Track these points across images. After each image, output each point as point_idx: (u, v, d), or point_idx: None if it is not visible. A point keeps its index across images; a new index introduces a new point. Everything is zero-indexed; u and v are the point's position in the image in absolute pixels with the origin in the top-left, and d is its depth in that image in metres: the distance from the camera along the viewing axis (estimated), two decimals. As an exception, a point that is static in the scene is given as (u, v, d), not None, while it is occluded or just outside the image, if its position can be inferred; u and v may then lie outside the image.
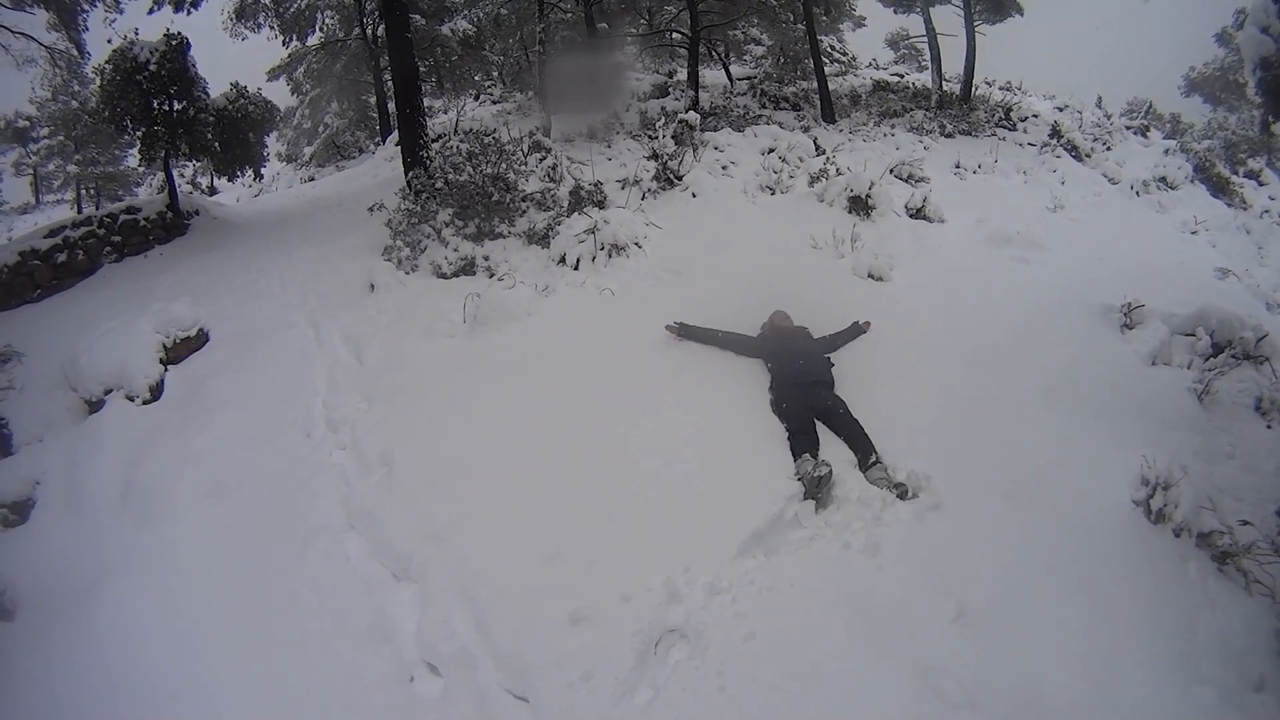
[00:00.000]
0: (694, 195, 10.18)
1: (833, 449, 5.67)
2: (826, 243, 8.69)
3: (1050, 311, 7.57)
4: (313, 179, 21.19)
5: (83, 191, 26.08)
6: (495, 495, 5.47)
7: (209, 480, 6.13)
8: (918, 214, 10.10)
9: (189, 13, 14.46)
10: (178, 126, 13.22)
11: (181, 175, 22.16)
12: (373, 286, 9.12)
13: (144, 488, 6.21)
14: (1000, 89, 22.26)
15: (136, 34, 12.97)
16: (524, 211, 10.17)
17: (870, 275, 8.12)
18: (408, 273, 9.47)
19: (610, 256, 8.52)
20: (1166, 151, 17.85)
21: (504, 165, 10.21)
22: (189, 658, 4.65)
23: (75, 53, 13.70)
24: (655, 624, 4.34)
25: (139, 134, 13.19)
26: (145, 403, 7.46)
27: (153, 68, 12.63)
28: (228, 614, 4.93)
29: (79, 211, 20.04)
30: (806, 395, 6.07)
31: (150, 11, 14.31)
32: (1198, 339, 7.00)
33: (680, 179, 10.60)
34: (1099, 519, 5.05)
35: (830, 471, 5.31)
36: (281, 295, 9.71)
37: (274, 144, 25.97)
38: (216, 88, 14.10)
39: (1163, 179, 15.05)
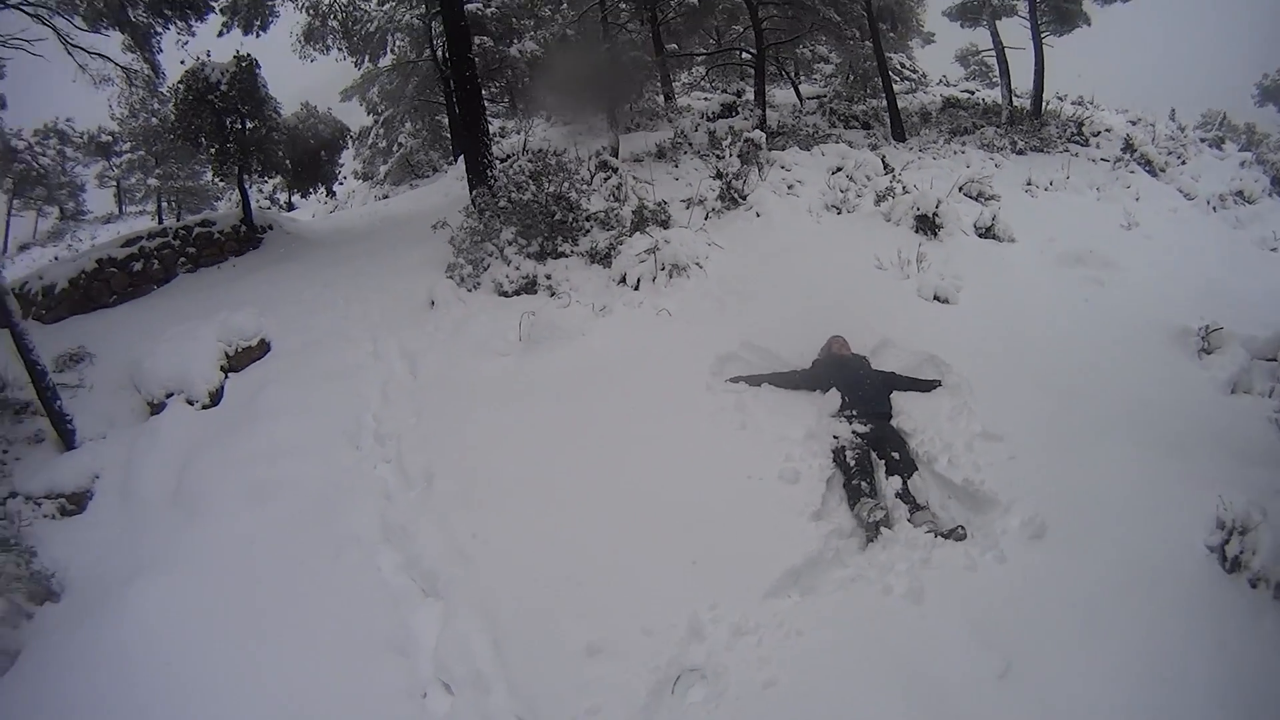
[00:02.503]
0: (758, 215, 9.91)
1: (880, 479, 5.50)
2: (891, 263, 8.38)
3: (1123, 335, 7.23)
4: (386, 197, 21.37)
5: (164, 204, 26.92)
6: (528, 516, 5.35)
7: (255, 485, 6.15)
8: (987, 233, 9.71)
9: (258, 35, 14.93)
10: (249, 144, 13.58)
11: (260, 192, 22.63)
12: (433, 303, 9.07)
13: (193, 488, 6.31)
14: (1072, 103, 21.55)
15: (209, 55, 13.34)
16: (587, 231, 10.02)
17: (936, 297, 7.82)
18: (470, 290, 9.41)
19: (670, 277, 8.31)
20: (1243, 164, 16.96)
21: (566, 184, 10.08)
22: (210, 658, 4.61)
23: (151, 73, 14.00)
24: (674, 661, 4.16)
25: (213, 151, 13.58)
26: (204, 407, 7.60)
27: (224, 88, 13.00)
28: (255, 617, 4.91)
29: (159, 223, 20.56)
30: (866, 428, 5.87)
31: (220, 34, 14.82)
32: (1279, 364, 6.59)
33: (744, 198, 10.34)
34: (1168, 566, 4.62)
35: (888, 515, 5.12)
36: (345, 309, 9.73)
37: (351, 162, 26.40)
38: (291, 107, 14.38)
39: (1239, 193, 14.21)
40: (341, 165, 24.20)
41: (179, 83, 13.30)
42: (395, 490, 6.01)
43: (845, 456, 5.65)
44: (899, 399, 6.20)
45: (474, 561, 5.04)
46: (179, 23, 13.37)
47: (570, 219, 9.92)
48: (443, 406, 6.90)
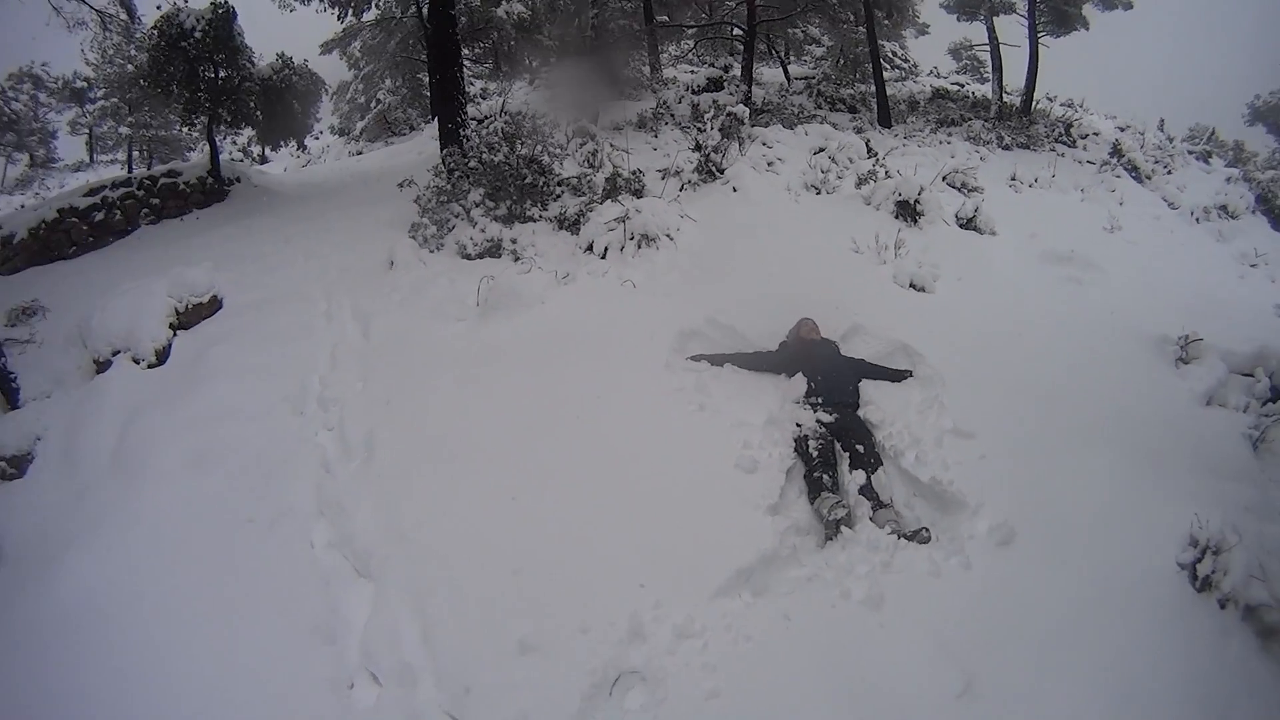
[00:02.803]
0: (734, 189, 9.53)
1: (843, 472, 5.22)
2: (868, 248, 8.06)
3: (1103, 339, 7.00)
4: (360, 153, 20.95)
5: (137, 153, 26.07)
6: (469, 494, 5.01)
7: (195, 450, 5.80)
8: (968, 224, 9.42)
9: None
10: (220, 94, 13.08)
11: (234, 144, 22.03)
12: (392, 263, 8.66)
13: (134, 452, 5.91)
14: (1061, 104, 21.37)
15: (186, 1, 12.82)
16: (558, 196, 9.64)
17: (912, 285, 7.51)
18: (433, 251, 9.01)
19: (639, 247, 7.94)
20: (1229, 179, 16.81)
21: (540, 148, 9.66)
22: (141, 639, 4.31)
23: (126, 17, 13.52)
24: (612, 663, 3.83)
25: (184, 100, 13.08)
26: (150, 366, 7.14)
27: (198, 35, 12.47)
28: (187, 591, 4.62)
29: (130, 172, 19.97)
30: (831, 418, 5.55)
31: None
32: (1256, 380, 6.54)
33: (722, 172, 9.94)
34: (1138, 582, 4.43)
35: (850, 513, 4.81)
36: (303, 266, 9.30)
37: (328, 117, 25.86)
38: (270, 58, 13.99)
39: (1224, 207, 14.18)
40: (319, 119, 23.67)
41: (152, 28, 12.76)
42: (335, 460, 5.65)
43: (808, 446, 5.32)
44: (868, 388, 5.91)
45: (409, 542, 4.70)
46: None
47: (541, 183, 9.53)
48: (391, 373, 6.53)
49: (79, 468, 5.95)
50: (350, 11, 17.85)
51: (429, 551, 4.60)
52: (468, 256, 8.80)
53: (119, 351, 7.18)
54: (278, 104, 13.92)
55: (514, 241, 8.85)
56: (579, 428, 5.47)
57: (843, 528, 4.74)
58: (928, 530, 4.72)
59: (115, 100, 24.85)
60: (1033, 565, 4.48)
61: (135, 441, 6.03)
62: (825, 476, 5.10)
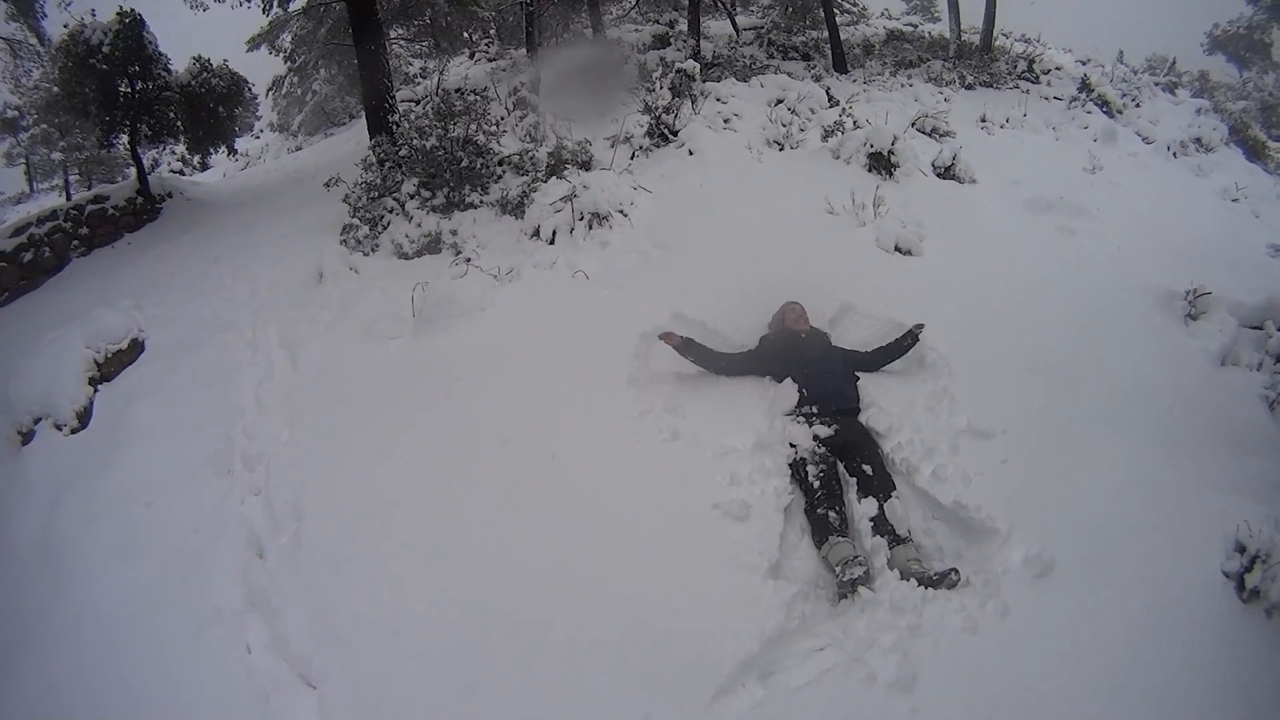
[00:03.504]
0: (690, 152, 8.52)
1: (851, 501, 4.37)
2: (844, 207, 7.10)
3: (1109, 299, 6.25)
4: (300, 148, 19.88)
5: (75, 176, 24.62)
6: (408, 577, 4.14)
7: (119, 535, 5.01)
8: (946, 173, 8.52)
9: None
10: (139, 108, 11.99)
11: (173, 154, 20.92)
12: (321, 275, 7.65)
13: (60, 541, 5.16)
14: (1019, 41, 20.56)
15: (94, 15, 11.67)
16: (499, 177, 8.63)
17: (897, 248, 6.63)
18: (366, 254, 8.04)
19: (590, 228, 6.98)
20: (1199, 111, 16.15)
21: (474, 126, 8.65)
22: None
23: (36, 41, 12.79)
24: None
25: (104, 120, 11.98)
26: (73, 431, 6.33)
27: (106, 49, 11.31)
28: (125, 710, 3.95)
29: (68, 198, 18.85)
30: (830, 430, 4.63)
31: None
32: (1268, 335, 5.97)
33: (675, 134, 8.95)
34: (1186, 600, 3.84)
35: (868, 570, 3.91)
36: (231, 289, 8.28)
37: (268, 113, 24.64)
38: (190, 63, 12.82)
39: (1199, 140, 13.50)
40: (258, 117, 22.49)
41: (57, 49, 11.71)
42: (264, 534, 4.76)
43: (806, 473, 4.40)
44: (868, 386, 5.02)
45: (347, 646, 3.86)
46: (60, -19, 11.86)
47: (479, 165, 8.50)
48: (320, 412, 5.61)
49: (11, 563, 5.25)
50: (275, 3, 16.72)
51: (369, 659, 3.76)
52: (405, 256, 7.87)
53: (40, 418, 6.42)
54: (201, 110, 12.84)
55: (454, 233, 7.89)
56: (531, 477, 4.58)
57: (860, 588, 3.85)
58: (957, 572, 3.86)
59: (44, 126, 23.41)
60: (1075, 599, 3.78)
61: (62, 526, 5.27)
62: (831, 514, 4.20)
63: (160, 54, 12.10)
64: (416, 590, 4.05)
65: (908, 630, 3.59)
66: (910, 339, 5.22)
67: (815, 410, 4.75)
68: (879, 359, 5.19)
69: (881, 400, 4.88)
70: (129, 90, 11.87)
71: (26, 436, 6.40)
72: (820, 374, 4.89)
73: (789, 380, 4.88)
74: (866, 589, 3.84)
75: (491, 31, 19.25)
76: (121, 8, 11.66)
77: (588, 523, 4.20)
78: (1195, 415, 5.10)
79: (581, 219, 7.01)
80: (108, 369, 6.90)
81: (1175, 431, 4.92)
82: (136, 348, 7.21)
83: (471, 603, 3.89)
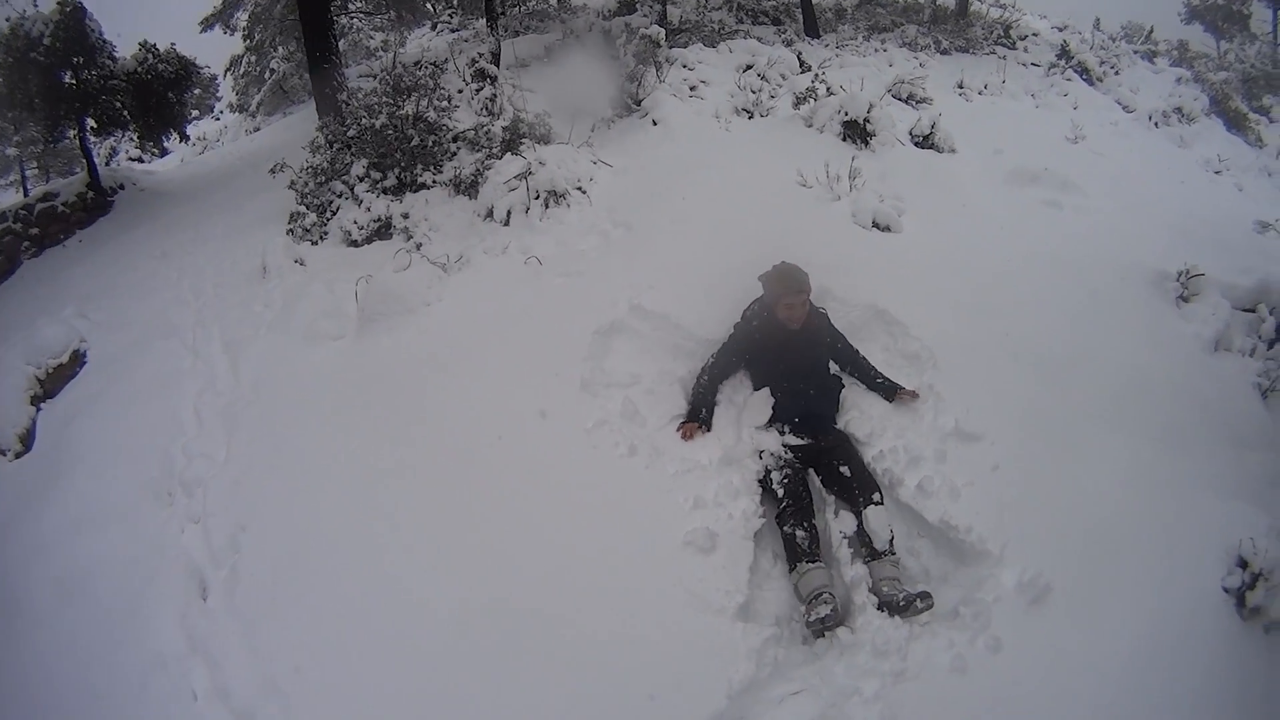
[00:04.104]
0: (655, 123, 7.99)
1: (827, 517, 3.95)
2: (818, 180, 6.56)
3: (1099, 281, 5.89)
4: (258, 129, 19.13)
5: (33, 171, 23.78)
6: (347, 623, 3.68)
7: (61, 575, 4.61)
8: (925, 142, 8.02)
9: None
10: (84, 100, 11.37)
11: (131, 141, 20.34)
12: (265, 270, 7.14)
13: (8, 579, 4.77)
14: (994, 5, 20.13)
15: (35, 5, 11.03)
16: (453, 154, 8.02)
17: (875, 224, 6.13)
18: (315, 243, 7.51)
19: (546, 207, 6.46)
20: (1179, 80, 16.05)
21: (425, 102, 8.06)
22: None
23: None
24: None
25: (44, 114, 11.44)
26: (17, 455, 5.92)
27: (47, 41, 10.68)
28: None
29: (25, 194, 18.23)
30: (803, 441, 4.16)
31: None
32: (1261, 319, 5.86)
33: (639, 104, 8.43)
34: (1186, 619, 3.62)
35: (836, 608, 3.43)
36: (177, 286, 7.74)
37: (228, 94, 23.82)
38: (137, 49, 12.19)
39: (1179, 109, 13.16)
40: (218, 98, 21.70)
41: None
42: (204, 568, 4.30)
43: (772, 483, 3.93)
44: (848, 387, 4.54)
45: (287, 697, 3.43)
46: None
47: (431, 142, 7.93)
48: (259, 427, 5.13)
49: None
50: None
51: (312, 714, 3.34)
52: (354, 243, 7.32)
53: None
54: (149, 98, 12.23)
55: (405, 216, 7.33)
56: (472, 504, 4.10)
57: (830, 632, 3.40)
58: (926, 597, 3.44)
59: (-1, 123, 22.73)
60: (1071, 626, 3.47)
61: (9, 564, 4.87)
62: (799, 531, 3.73)
63: (105, 42, 11.49)
64: (353, 638, 3.61)
65: (891, 676, 3.19)
66: (892, 394, 4.51)
67: (797, 423, 4.23)
68: (867, 377, 4.56)
69: (862, 402, 4.42)
70: (73, 82, 11.28)
71: (-26, 465, 5.91)
72: (803, 389, 4.29)
73: (765, 391, 4.32)
74: (846, 629, 3.41)
75: (454, 1, 18.57)
76: (61, -4, 11.03)
77: (534, 565, 3.74)
78: (1191, 408, 4.92)
79: (537, 198, 6.49)
80: (50, 385, 6.47)
81: (1171, 427, 4.71)
82: (78, 360, 6.73)
83: (408, 659, 3.44)
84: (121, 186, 12.41)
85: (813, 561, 3.63)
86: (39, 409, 6.25)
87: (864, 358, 4.58)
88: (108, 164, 17.11)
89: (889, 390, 4.45)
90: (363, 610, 3.71)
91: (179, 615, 4.07)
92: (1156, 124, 12.53)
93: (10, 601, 4.58)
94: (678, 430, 4.31)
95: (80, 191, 11.74)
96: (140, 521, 4.76)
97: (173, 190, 12.44)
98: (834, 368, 4.52)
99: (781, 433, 4.19)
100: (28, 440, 6.01)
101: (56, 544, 4.78)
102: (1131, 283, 5.92)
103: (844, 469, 3.98)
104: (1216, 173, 10.67)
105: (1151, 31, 22.58)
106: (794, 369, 4.30)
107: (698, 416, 4.34)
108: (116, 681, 3.86)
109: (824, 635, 3.40)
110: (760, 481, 4.02)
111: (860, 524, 3.78)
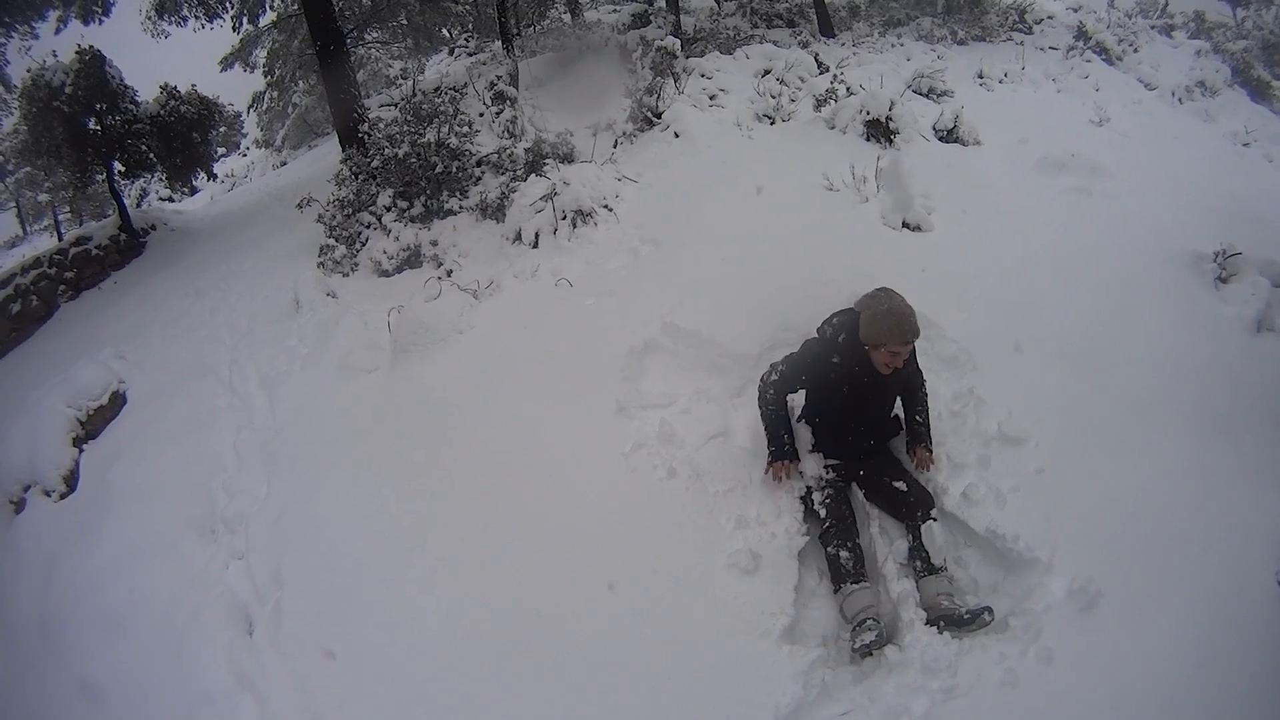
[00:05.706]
0: (676, 135, 7.90)
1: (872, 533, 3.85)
2: (844, 182, 6.42)
3: (1135, 267, 5.66)
4: (284, 163, 19.40)
5: (66, 215, 24.48)
6: (397, 656, 3.68)
7: (108, 611, 4.67)
8: (949, 136, 7.87)
9: (100, 22, 12.54)
10: (110, 145, 11.63)
11: (160, 181, 20.66)
12: (297, 304, 7.19)
13: (54, 615, 4.88)
14: (1006, -11, 19.87)
15: (55, 55, 11.29)
16: (478, 179, 8.08)
17: (906, 225, 5.99)
18: (346, 275, 7.65)
19: (574, 226, 6.46)
20: (1199, 53, 15.68)
21: (446, 128, 8.06)
22: None
23: (2, 89, 13.02)
24: None
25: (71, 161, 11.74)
26: (61, 496, 6.00)
27: (68, 90, 10.93)
28: None
29: (59, 237, 18.61)
30: (857, 471, 4.00)
31: (56, 31, 12.74)
32: None
33: (659, 116, 8.38)
34: (1238, 613, 3.41)
35: (881, 633, 3.33)
36: (210, 324, 7.87)
37: (253, 130, 24.15)
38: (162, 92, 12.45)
39: (1202, 83, 13.04)
40: (243, 135, 21.97)
41: (19, 97, 11.48)
42: (249, 604, 4.34)
43: (814, 503, 3.83)
44: None
45: None
46: (19, 27, 12.00)
47: (455, 168, 7.95)
48: (298, 462, 5.16)
49: (13, 641, 4.95)
50: (245, 19, 16.23)
51: None
52: (385, 273, 7.44)
53: (29, 485, 6.07)
54: (174, 139, 12.40)
55: (434, 244, 7.45)
56: (512, 534, 4.07)
57: (877, 652, 3.30)
58: (990, 612, 3.31)
59: (27, 169, 23.10)
60: (1124, 633, 3.27)
61: (55, 600, 4.98)
62: (843, 552, 3.60)
63: (126, 87, 11.77)
64: (397, 676, 3.59)
65: (941, 693, 3.08)
66: (913, 444, 4.08)
67: (841, 454, 4.02)
68: (910, 412, 4.12)
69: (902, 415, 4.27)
70: (98, 127, 11.53)
71: (19, 505, 6.05)
72: (861, 433, 4.02)
73: (813, 422, 4.11)
74: (894, 646, 3.31)
75: (470, 26, 18.64)
76: (79, 46, 11.30)
77: (573, 593, 3.70)
78: (1237, 395, 4.63)
79: (564, 218, 6.50)
80: (91, 426, 6.53)
81: (1216, 415, 4.44)
82: (118, 401, 6.80)
83: (451, 694, 3.40)
84: (153, 227, 12.62)
85: (857, 582, 3.53)
86: (81, 450, 6.30)
87: (924, 394, 4.14)
88: (139, 205, 17.46)
89: (915, 437, 4.08)
90: (406, 647, 3.70)
91: (225, 651, 4.09)
92: (1180, 100, 12.34)
93: (60, 635, 4.68)
94: (766, 473, 3.97)
95: (113, 234, 11.93)
96: (184, 558, 4.82)
97: (203, 228, 12.62)
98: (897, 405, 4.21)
99: (825, 456, 4.02)
100: (72, 481, 6.07)
101: (104, 580, 4.86)
102: (1168, 267, 5.71)
103: (899, 484, 3.82)
104: (1245, 145, 10.44)
105: (1167, 4, 22.11)
106: (860, 413, 3.97)
107: (783, 449, 3.95)
108: (165, 717, 3.92)
109: (871, 655, 3.31)
110: (801, 499, 3.92)
111: (915, 540, 3.65)
